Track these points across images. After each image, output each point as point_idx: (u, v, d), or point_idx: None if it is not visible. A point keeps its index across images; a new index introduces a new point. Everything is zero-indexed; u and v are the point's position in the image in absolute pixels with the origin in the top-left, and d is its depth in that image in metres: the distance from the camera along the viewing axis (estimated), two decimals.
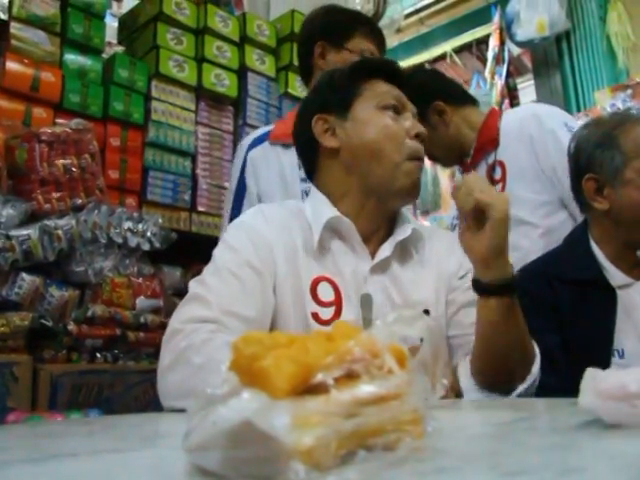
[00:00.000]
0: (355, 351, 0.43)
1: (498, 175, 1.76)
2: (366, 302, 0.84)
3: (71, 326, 1.85)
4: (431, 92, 1.87)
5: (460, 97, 1.90)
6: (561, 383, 1.20)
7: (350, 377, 0.43)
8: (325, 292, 1.07)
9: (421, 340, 0.47)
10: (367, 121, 1.13)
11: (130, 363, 1.98)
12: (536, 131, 1.70)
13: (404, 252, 1.13)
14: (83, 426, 0.77)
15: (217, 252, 1.09)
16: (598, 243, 1.42)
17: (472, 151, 1.83)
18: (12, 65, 2.21)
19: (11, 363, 1.69)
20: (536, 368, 0.97)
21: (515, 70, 5.05)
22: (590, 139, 1.43)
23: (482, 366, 0.91)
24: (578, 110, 3.92)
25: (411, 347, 0.46)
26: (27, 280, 1.79)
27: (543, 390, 1.16)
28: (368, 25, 1.82)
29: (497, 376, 0.90)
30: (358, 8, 3.62)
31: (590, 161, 1.41)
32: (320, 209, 1.12)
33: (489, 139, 1.79)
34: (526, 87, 5.53)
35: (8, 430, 0.83)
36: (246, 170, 1.80)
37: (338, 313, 1.05)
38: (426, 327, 0.48)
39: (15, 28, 2.24)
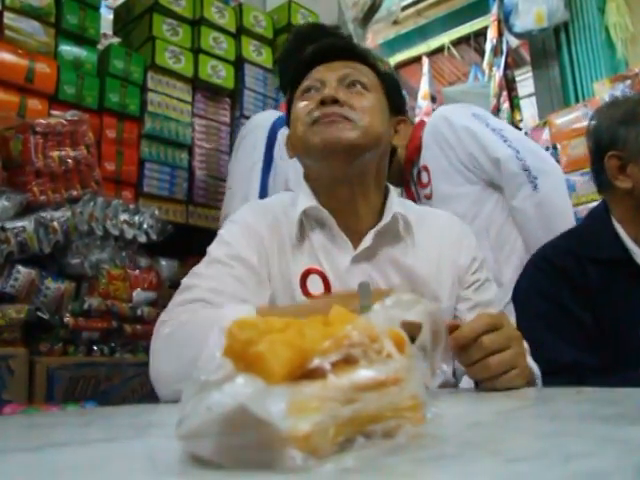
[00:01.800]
0: (353, 335, 0.42)
1: (425, 179, 1.89)
2: (364, 290, 0.83)
3: (67, 319, 1.84)
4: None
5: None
6: (601, 362, 1.19)
7: (348, 362, 0.42)
8: (314, 285, 1.06)
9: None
10: (292, 120, 1.16)
11: (127, 356, 1.97)
12: (447, 130, 1.81)
13: (391, 239, 1.11)
14: (78, 416, 0.76)
15: (211, 247, 1.11)
16: (620, 222, 1.38)
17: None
18: (6, 56, 2.18)
19: (7, 356, 1.67)
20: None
21: (513, 62, 5.03)
22: (613, 116, 1.40)
23: None
24: (577, 101, 3.91)
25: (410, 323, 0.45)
26: (23, 272, 1.78)
27: (586, 370, 1.14)
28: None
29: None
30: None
31: (613, 138, 1.38)
32: (301, 200, 1.12)
33: (414, 148, 1.90)
34: (524, 79, 5.53)
35: (3, 420, 0.82)
36: (275, 148, 1.81)
37: None
38: (425, 311, 0.47)
39: (9, 18, 2.21)
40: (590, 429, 0.44)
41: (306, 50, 1.21)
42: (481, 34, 5.71)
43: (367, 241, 1.08)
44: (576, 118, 2.86)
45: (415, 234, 1.12)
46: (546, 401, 0.58)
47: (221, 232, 1.13)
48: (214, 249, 1.09)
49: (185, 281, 1.04)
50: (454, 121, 1.81)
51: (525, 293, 1.40)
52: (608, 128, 1.39)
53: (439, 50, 6.49)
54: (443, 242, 1.13)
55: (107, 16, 3.02)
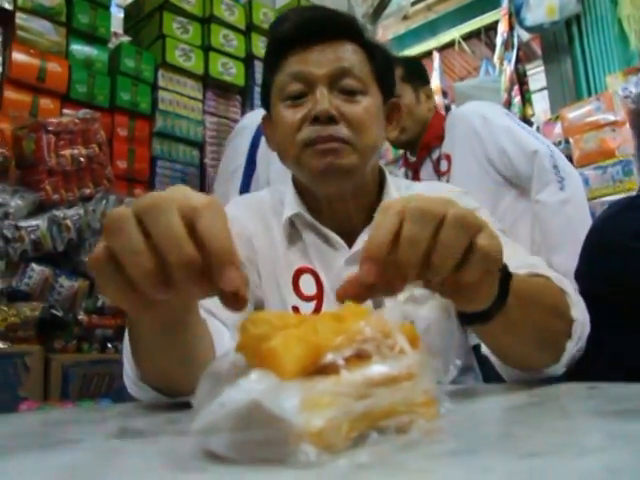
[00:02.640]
0: (366, 331, 0.42)
1: (444, 167, 1.93)
2: None
3: (81, 316, 1.86)
4: (426, 77, 2.12)
5: None
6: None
7: (361, 357, 0.42)
8: (307, 285, 1.01)
9: None
10: (275, 121, 1.03)
11: None
12: (482, 127, 1.88)
13: None
14: (93, 413, 0.77)
15: None
16: None
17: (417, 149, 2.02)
18: (18, 56, 2.21)
19: (22, 353, 1.69)
20: (572, 343, 0.74)
21: (524, 56, 5.00)
22: None
23: (506, 360, 0.75)
24: (589, 94, 3.88)
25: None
26: (37, 270, 1.79)
27: None
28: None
29: (523, 368, 0.75)
30: None
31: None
32: (288, 204, 1.05)
33: (435, 136, 1.97)
34: (535, 73, 5.49)
35: (18, 417, 0.83)
36: (258, 151, 1.81)
37: (319, 308, 0.99)
38: (438, 307, 0.47)
39: (21, 18, 2.23)
40: (603, 425, 0.44)
41: (282, 25, 1.04)
42: (492, 28, 5.67)
43: (362, 241, 0.99)
44: (588, 112, 2.83)
45: None
46: (559, 397, 0.58)
47: None
48: None
49: None
50: (491, 119, 1.88)
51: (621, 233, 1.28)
52: None
53: (450, 45, 6.47)
54: None
55: (117, 14, 3.04)
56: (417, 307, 0.45)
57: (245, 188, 1.76)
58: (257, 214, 1.07)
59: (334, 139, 0.94)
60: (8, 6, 2.21)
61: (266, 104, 1.08)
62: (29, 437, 0.54)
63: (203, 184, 2.70)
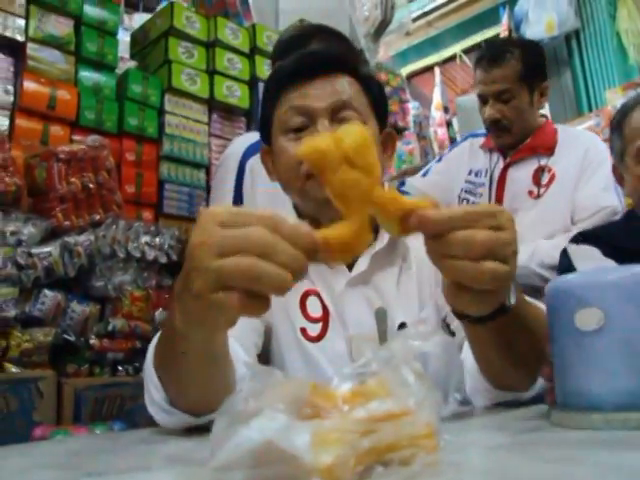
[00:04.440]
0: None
1: (545, 180, 1.89)
2: (381, 316, 0.85)
3: (93, 340, 1.89)
4: (543, 71, 1.99)
5: None
6: None
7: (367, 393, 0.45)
8: (313, 307, 1.05)
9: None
10: (277, 153, 1.07)
11: None
12: (592, 146, 1.90)
13: (386, 261, 1.08)
14: (111, 442, 0.79)
15: None
16: None
17: (520, 146, 1.96)
18: (29, 85, 2.26)
19: (36, 378, 1.72)
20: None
21: None
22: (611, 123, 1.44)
23: (488, 375, 0.81)
24: (590, 108, 3.92)
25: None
26: (49, 296, 1.83)
27: None
28: (322, 32, 1.84)
29: (506, 379, 0.80)
30: (366, 15, 3.65)
31: (611, 147, 1.42)
32: None
33: (544, 144, 1.93)
34: None
35: (36, 447, 0.86)
36: (244, 181, 1.82)
37: (324, 329, 1.03)
38: (441, 342, 0.50)
39: (31, 49, 2.29)
40: (601, 456, 0.47)
41: (284, 61, 1.09)
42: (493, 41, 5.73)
43: (362, 265, 1.05)
44: (588, 128, 2.86)
45: (410, 251, 1.08)
46: (555, 424, 0.60)
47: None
48: None
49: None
50: (601, 148, 1.90)
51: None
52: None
53: (451, 58, 6.52)
54: (421, 261, 1.05)
55: (124, 38, 3.09)
56: (421, 342, 0.48)
57: None
58: None
59: None
60: (20, 37, 2.26)
61: (265, 137, 1.11)
62: (49, 470, 0.57)
63: (209, 206, 2.73)
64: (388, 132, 1.12)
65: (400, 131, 4.15)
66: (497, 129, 1.93)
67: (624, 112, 1.39)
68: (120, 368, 1.97)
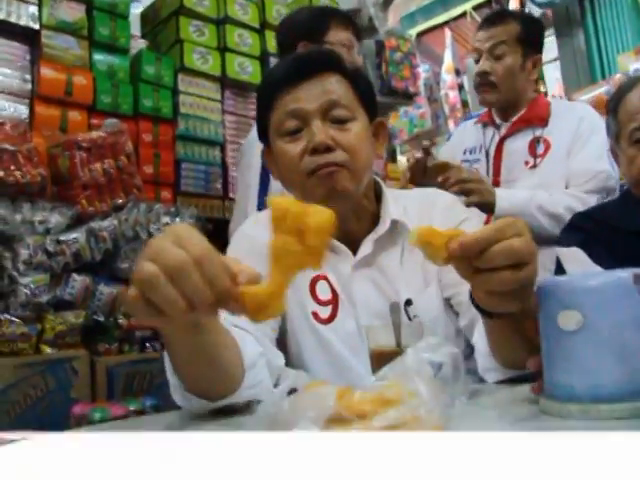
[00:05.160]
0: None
1: (541, 150, 1.94)
2: (395, 309, 0.92)
3: (121, 320, 1.98)
4: (540, 45, 2.04)
5: None
6: None
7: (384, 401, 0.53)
8: (323, 291, 1.12)
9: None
10: (276, 156, 1.14)
11: None
12: (586, 114, 1.94)
13: (388, 243, 1.15)
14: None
15: None
16: None
17: (514, 118, 2.00)
18: (46, 72, 2.31)
19: (70, 358, 1.83)
20: None
21: None
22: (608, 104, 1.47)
23: (500, 358, 0.90)
24: (602, 71, 3.88)
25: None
26: (78, 280, 1.92)
27: None
28: (339, 16, 1.93)
29: (519, 360, 0.85)
30: None
31: (607, 127, 1.45)
32: None
33: (538, 115, 1.97)
34: (548, 42, 5.44)
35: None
36: None
37: (334, 311, 1.11)
38: (449, 353, 0.57)
39: (46, 36, 2.33)
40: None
41: (273, 68, 1.18)
42: None
43: (366, 249, 1.13)
44: (599, 95, 2.86)
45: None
46: (541, 413, 0.68)
47: (228, 250, 1.17)
48: None
49: None
50: (596, 116, 1.94)
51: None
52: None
53: (461, 16, 6.42)
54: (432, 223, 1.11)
55: (134, 11, 3.05)
56: (432, 354, 0.55)
57: (262, 203, 1.85)
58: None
59: (332, 164, 1.06)
60: (34, 25, 2.30)
61: (263, 138, 1.18)
62: None
63: (226, 182, 2.80)
64: (378, 122, 1.19)
65: (411, 97, 4.14)
66: (484, 84, 1.96)
67: (619, 95, 1.41)
68: (148, 345, 2.07)
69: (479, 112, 2.16)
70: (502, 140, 2.01)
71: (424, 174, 1.74)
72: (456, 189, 1.66)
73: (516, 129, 1.99)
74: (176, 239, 0.60)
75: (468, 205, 1.66)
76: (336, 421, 0.51)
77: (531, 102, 1.99)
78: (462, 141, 2.15)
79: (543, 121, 1.96)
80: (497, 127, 2.03)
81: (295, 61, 1.15)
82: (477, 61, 1.98)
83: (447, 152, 2.20)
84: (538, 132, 1.95)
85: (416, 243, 0.71)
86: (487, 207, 1.74)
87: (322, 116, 1.08)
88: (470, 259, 0.69)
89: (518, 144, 1.98)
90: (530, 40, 1.97)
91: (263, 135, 1.18)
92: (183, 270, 0.58)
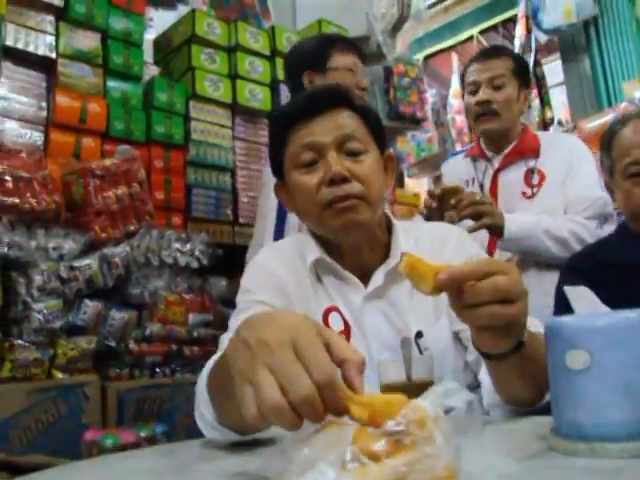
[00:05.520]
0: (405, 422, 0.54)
1: (536, 181, 1.97)
2: (406, 344, 0.94)
3: (132, 345, 2.01)
4: (529, 81, 2.11)
5: None
6: None
7: (399, 445, 0.54)
8: (335, 322, 1.14)
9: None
10: (292, 188, 1.17)
11: (187, 375, 2.14)
12: (575, 145, 1.99)
13: (399, 275, 1.13)
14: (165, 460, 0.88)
15: (237, 298, 1.17)
16: None
17: (506, 150, 2.03)
18: (61, 99, 2.36)
19: (82, 383, 1.85)
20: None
21: (545, 49, 5.01)
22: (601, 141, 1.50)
23: (504, 396, 0.93)
24: (608, 98, 3.91)
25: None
26: (90, 306, 1.95)
27: None
28: (341, 42, 1.98)
29: (522, 401, 0.92)
30: (383, 11, 3.69)
31: (601, 162, 1.48)
32: (309, 251, 1.18)
33: (530, 146, 2.01)
34: (555, 67, 5.48)
35: (92, 467, 0.94)
36: None
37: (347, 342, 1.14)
38: (463, 398, 0.58)
39: (62, 65, 2.38)
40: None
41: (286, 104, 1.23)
42: (510, 20, 5.68)
43: (377, 281, 1.14)
44: (605, 124, 2.89)
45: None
46: (550, 450, 0.70)
47: (242, 281, 1.20)
48: (238, 300, 1.16)
49: (221, 337, 1.10)
50: (583, 147, 2.01)
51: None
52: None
53: (468, 40, 6.49)
54: (444, 257, 1.15)
55: (146, 36, 3.09)
56: (447, 399, 0.57)
57: (279, 232, 1.88)
58: (287, 261, 1.20)
59: (350, 196, 1.08)
60: (51, 54, 2.36)
61: (277, 172, 1.22)
62: None
63: (236, 208, 2.83)
64: (388, 155, 1.23)
65: (419, 122, 4.18)
66: (487, 112, 1.98)
67: (612, 131, 1.44)
68: (158, 370, 2.09)
69: (463, 148, 2.22)
70: (496, 173, 2.04)
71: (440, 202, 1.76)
72: (470, 211, 1.68)
73: (509, 161, 2.01)
74: (301, 354, 0.56)
75: (479, 228, 1.70)
76: (352, 464, 0.53)
77: (521, 134, 2.03)
78: (454, 175, 2.17)
79: (535, 152, 1.99)
80: (489, 160, 2.06)
81: (308, 97, 1.19)
82: (474, 93, 2.01)
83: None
84: (531, 163, 1.99)
85: (403, 270, 0.74)
86: (497, 230, 1.76)
87: (337, 148, 1.11)
88: (459, 294, 0.73)
89: (512, 176, 2.01)
90: (522, 74, 2.03)
91: (277, 170, 1.21)
92: (308, 403, 0.55)
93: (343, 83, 1.80)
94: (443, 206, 1.74)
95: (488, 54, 2.05)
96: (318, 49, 2.02)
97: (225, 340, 1.02)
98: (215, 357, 0.94)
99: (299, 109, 1.16)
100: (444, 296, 1.11)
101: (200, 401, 0.87)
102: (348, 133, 1.12)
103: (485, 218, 1.72)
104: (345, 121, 1.14)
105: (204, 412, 0.85)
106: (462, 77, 2.14)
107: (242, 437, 0.83)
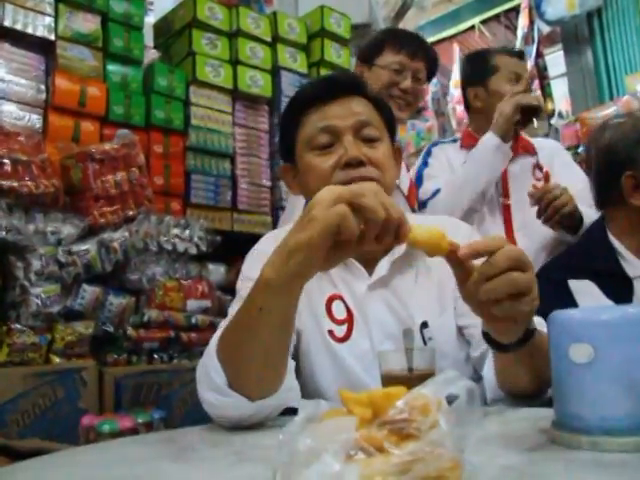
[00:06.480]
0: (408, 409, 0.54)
1: (539, 175, 2.08)
2: (408, 335, 0.94)
3: (130, 331, 2.00)
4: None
5: None
6: None
7: (403, 436, 0.54)
8: (338, 310, 1.15)
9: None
10: (304, 169, 1.17)
11: (184, 361, 2.13)
12: (557, 147, 2.19)
13: (404, 265, 1.17)
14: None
15: (237, 285, 1.18)
16: (619, 236, 1.48)
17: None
18: (61, 82, 2.33)
19: (79, 368, 1.85)
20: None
21: (547, 40, 4.98)
22: (629, 136, 1.47)
23: (507, 389, 0.96)
24: (610, 90, 3.90)
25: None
26: (88, 291, 1.94)
27: None
28: (397, 39, 1.94)
29: (524, 393, 0.94)
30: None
31: (630, 157, 1.46)
32: None
33: (526, 145, 2.12)
34: (557, 57, 5.47)
35: (92, 454, 0.95)
36: None
37: (350, 330, 1.13)
38: (464, 386, 0.58)
39: (61, 47, 2.35)
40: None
41: (302, 87, 1.26)
42: (512, 9, 5.66)
43: (382, 270, 1.15)
44: (607, 117, 2.88)
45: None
46: (551, 443, 0.70)
47: (242, 268, 1.21)
48: (238, 287, 1.16)
49: (220, 324, 1.10)
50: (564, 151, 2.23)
51: None
52: (625, 147, 1.46)
53: (469, 30, 6.46)
54: (441, 267, 1.15)
55: (147, 20, 3.06)
56: (448, 386, 0.57)
57: None
58: None
59: (366, 179, 1.07)
60: (50, 36, 2.33)
61: (286, 156, 1.23)
62: None
63: (235, 194, 2.81)
64: (397, 147, 1.25)
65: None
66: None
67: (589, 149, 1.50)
68: (155, 356, 2.09)
69: (450, 138, 2.39)
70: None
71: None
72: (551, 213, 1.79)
73: (516, 154, 2.05)
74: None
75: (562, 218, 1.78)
76: (356, 453, 0.53)
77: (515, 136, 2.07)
78: (448, 162, 2.17)
79: (534, 150, 2.10)
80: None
81: (324, 82, 1.22)
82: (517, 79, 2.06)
83: (434, 174, 2.16)
84: (534, 159, 2.09)
85: (412, 242, 0.78)
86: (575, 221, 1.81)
87: (354, 133, 1.13)
88: (467, 276, 0.78)
89: (521, 167, 2.07)
90: None
91: (285, 151, 1.22)
92: (395, 222, 0.74)
93: (379, 79, 1.83)
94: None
95: (522, 57, 2.19)
96: (372, 42, 2.03)
97: (223, 325, 1.02)
98: (223, 323, 0.97)
99: (315, 93, 1.17)
100: (449, 289, 1.13)
101: (209, 367, 0.87)
102: (365, 119, 1.14)
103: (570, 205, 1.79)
104: (361, 108, 1.16)
105: (213, 377, 0.85)
106: (485, 60, 2.14)
107: (250, 406, 0.84)
